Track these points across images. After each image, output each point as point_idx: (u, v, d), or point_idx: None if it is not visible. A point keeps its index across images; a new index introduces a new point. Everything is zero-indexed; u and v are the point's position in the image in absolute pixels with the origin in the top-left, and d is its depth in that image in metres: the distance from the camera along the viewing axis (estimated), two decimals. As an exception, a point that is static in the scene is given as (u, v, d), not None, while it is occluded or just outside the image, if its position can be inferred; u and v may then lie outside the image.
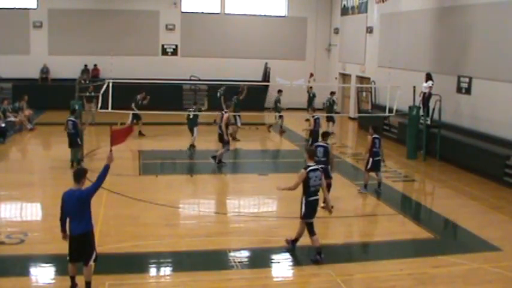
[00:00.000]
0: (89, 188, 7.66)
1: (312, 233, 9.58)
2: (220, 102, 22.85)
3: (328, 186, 12.64)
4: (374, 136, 13.98)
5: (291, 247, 9.99)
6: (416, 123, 18.54)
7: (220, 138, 16.45)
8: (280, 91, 23.07)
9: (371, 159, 13.90)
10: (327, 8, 30.48)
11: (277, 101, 23.23)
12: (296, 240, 9.97)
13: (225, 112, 16.69)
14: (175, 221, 11.89)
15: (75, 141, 15.54)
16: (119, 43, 26.90)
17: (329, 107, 23.35)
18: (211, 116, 21.59)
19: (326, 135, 12.95)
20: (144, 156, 17.76)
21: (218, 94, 23.11)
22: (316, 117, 17.23)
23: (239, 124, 21.21)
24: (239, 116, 21.03)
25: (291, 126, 23.45)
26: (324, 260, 9.43)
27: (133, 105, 20.14)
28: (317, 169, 9.57)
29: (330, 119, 22.30)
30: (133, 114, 19.81)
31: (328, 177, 12.62)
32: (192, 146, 18.80)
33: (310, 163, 9.63)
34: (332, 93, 23.88)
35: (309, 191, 9.49)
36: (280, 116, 22.73)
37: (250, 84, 23.92)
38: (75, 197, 7.56)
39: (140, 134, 20.69)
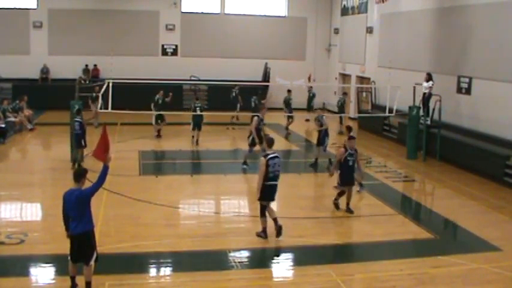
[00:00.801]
0: (88, 188, 7.67)
1: (263, 215, 10.44)
2: (236, 102, 23.12)
3: (340, 194, 12.43)
4: (353, 136, 13.97)
5: (278, 228, 10.40)
6: (417, 123, 18.53)
7: (253, 140, 16.10)
8: (289, 91, 23.01)
9: None
10: (327, 8, 30.47)
11: (286, 100, 23.18)
12: (275, 221, 10.46)
13: (256, 115, 16.51)
14: (175, 221, 11.88)
15: (79, 141, 15.45)
16: (118, 43, 26.90)
17: (340, 108, 23.42)
18: (213, 115, 21.61)
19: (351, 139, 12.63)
20: (144, 156, 17.76)
21: (233, 93, 23.27)
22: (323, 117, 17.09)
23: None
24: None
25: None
26: (266, 238, 10.31)
27: (152, 105, 20.08)
28: (276, 157, 10.36)
29: (339, 120, 22.49)
30: (155, 115, 19.93)
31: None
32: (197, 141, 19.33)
33: (269, 151, 10.44)
34: (344, 93, 24.03)
35: (267, 176, 10.20)
36: (290, 117, 22.65)
37: (250, 85, 24.00)
38: (74, 197, 7.58)
39: (158, 135, 20.50)
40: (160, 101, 20.34)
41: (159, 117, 20.26)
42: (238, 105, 23.43)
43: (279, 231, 10.40)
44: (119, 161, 16.92)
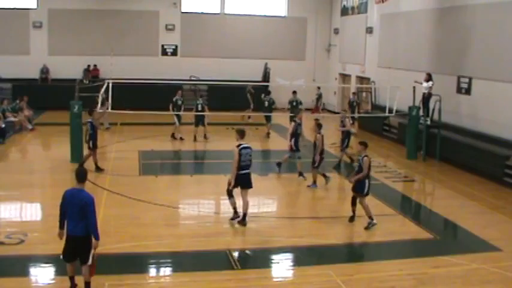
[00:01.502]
0: (93, 207, 7.58)
1: (230, 196, 11.18)
2: (248, 100, 23.27)
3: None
4: (322, 134, 13.95)
5: (243, 222, 11.14)
6: (416, 123, 18.53)
7: (296, 143, 15.43)
8: (294, 92, 22.89)
9: (319, 157, 13.93)
10: (326, 8, 30.48)
11: (291, 102, 23.22)
12: (245, 215, 11.20)
13: (294, 120, 16.01)
14: (175, 221, 11.89)
15: (88, 142, 15.12)
16: (118, 43, 26.88)
17: (353, 108, 23.45)
18: (213, 115, 21.62)
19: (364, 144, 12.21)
20: (144, 156, 17.75)
21: (246, 92, 23.40)
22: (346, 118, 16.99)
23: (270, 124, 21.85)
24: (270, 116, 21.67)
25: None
26: (238, 216, 11.20)
27: (170, 106, 19.86)
28: (248, 147, 11.07)
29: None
30: (176, 115, 19.84)
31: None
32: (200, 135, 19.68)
33: (241, 142, 11.10)
34: (354, 93, 24.03)
35: (239, 165, 10.90)
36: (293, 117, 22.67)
37: (252, 85, 24.09)
38: (82, 197, 7.49)
39: (173, 136, 20.27)
40: (180, 102, 20.08)
41: (179, 119, 20.01)
42: (251, 105, 23.61)
43: (243, 217, 11.17)
44: (119, 161, 16.95)
